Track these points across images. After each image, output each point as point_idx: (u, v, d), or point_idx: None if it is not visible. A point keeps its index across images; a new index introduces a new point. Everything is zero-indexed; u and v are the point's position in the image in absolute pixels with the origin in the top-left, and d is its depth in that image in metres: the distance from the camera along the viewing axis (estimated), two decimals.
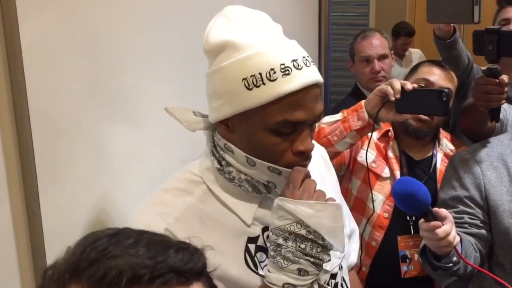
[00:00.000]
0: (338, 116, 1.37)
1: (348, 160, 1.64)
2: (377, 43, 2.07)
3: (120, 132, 1.06)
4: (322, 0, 2.08)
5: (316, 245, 0.84)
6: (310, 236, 0.83)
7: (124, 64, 1.05)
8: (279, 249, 0.84)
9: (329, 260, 0.87)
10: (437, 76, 1.57)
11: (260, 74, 0.82)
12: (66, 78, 0.91)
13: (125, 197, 1.07)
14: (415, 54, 4.28)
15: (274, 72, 0.82)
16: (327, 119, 1.40)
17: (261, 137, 0.85)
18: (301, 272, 0.83)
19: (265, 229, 0.93)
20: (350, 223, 1.15)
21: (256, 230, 0.93)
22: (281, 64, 0.83)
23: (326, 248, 0.85)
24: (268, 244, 0.87)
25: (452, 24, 1.66)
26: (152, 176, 1.15)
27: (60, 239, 0.91)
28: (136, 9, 1.08)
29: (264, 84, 0.82)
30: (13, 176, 0.82)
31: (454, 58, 1.73)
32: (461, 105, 1.73)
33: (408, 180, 1.16)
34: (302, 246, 0.83)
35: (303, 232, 0.83)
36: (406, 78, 1.65)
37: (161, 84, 1.18)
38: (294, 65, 0.84)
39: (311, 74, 0.86)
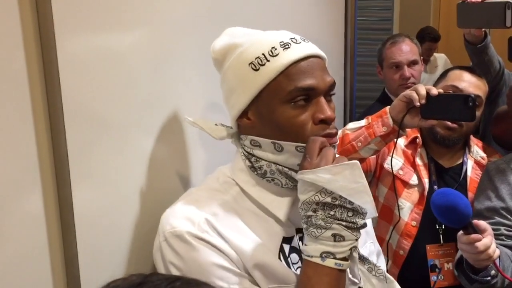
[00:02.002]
0: (363, 122, 1.36)
1: (375, 167, 1.61)
2: (407, 49, 2.04)
3: (154, 138, 1.06)
4: (348, 5, 2.07)
5: (345, 210, 0.83)
6: (337, 202, 0.82)
7: (157, 70, 1.06)
8: (310, 220, 0.83)
9: (364, 223, 0.85)
10: (466, 83, 1.53)
11: (263, 54, 0.88)
12: (101, 84, 0.91)
13: (158, 201, 1.08)
14: (440, 59, 4.21)
15: (275, 49, 0.88)
16: (352, 125, 1.38)
17: (279, 112, 0.87)
18: (336, 237, 0.82)
19: (298, 230, 0.94)
20: (376, 244, 1.12)
21: (291, 231, 0.93)
22: (280, 42, 0.89)
23: (357, 211, 0.84)
24: (302, 223, 0.86)
25: (483, 29, 1.63)
26: (183, 181, 1.15)
27: (92, 244, 0.91)
28: (169, 20, 1.09)
29: (268, 61, 0.88)
30: (47, 178, 0.83)
31: (485, 63, 1.69)
32: (492, 111, 1.70)
33: (449, 192, 1.13)
34: (332, 212, 0.82)
35: (329, 199, 0.82)
36: (436, 84, 1.62)
37: (196, 91, 1.18)
38: (292, 41, 0.90)
39: (311, 47, 0.91)
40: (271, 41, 0.89)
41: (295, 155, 0.88)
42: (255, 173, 0.92)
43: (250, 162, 0.92)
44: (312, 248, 0.83)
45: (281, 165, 0.90)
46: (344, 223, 0.82)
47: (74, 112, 0.85)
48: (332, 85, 0.90)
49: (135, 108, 1.01)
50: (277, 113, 0.87)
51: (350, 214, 0.83)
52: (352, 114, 2.16)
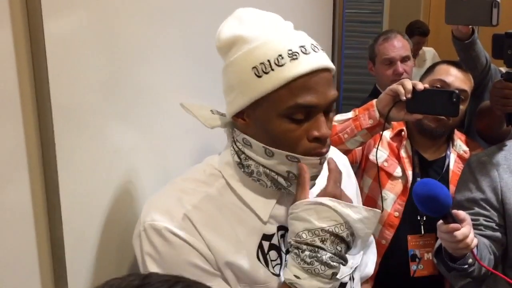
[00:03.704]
0: (350, 114, 1.38)
1: (360, 159, 1.64)
2: (400, 45, 2.06)
3: (137, 127, 1.07)
4: None
5: (347, 249, 0.86)
6: (348, 239, 0.85)
7: (142, 60, 1.06)
8: (318, 255, 0.83)
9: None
10: (453, 78, 1.56)
11: (268, 61, 0.83)
12: (87, 74, 0.91)
13: (140, 189, 1.09)
14: (429, 53, 4.24)
15: (282, 58, 0.83)
16: (339, 117, 1.40)
17: (276, 124, 0.85)
18: (333, 276, 0.84)
19: (280, 228, 0.93)
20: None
21: (272, 228, 0.93)
22: (289, 50, 0.83)
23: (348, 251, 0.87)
24: (290, 246, 0.86)
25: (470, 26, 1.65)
26: (165, 170, 1.16)
27: (78, 230, 0.92)
28: (155, 7, 1.09)
29: (272, 70, 0.83)
30: (35, 168, 0.83)
31: (472, 58, 1.71)
32: (477, 105, 1.72)
33: (430, 182, 1.16)
34: (339, 248, 0.84)
35: (344, 234, 0.84)
36: (422, 77, 1.64)
37: (179, 80, 1.18)
38: (301, 50, 0.84)
39: (320, 59, 0.85)
40: (279, 48, 0.83)
41: (285, 163, 0.87)
42: (242, 170, 0.91)
43: (239, 158, 0.91)
44: (309, 284, 0.83)
45: (269, 169, 0.89)
46: (343, 262, 0.85)
47: (60, 101, 0.85)
48: (334, 99, 0.88)
49: (121, 96, 1.01)
50: (273, 124, 0.85)
51: (346, 252, 0.86)
52: (338, 106, 2.18)
